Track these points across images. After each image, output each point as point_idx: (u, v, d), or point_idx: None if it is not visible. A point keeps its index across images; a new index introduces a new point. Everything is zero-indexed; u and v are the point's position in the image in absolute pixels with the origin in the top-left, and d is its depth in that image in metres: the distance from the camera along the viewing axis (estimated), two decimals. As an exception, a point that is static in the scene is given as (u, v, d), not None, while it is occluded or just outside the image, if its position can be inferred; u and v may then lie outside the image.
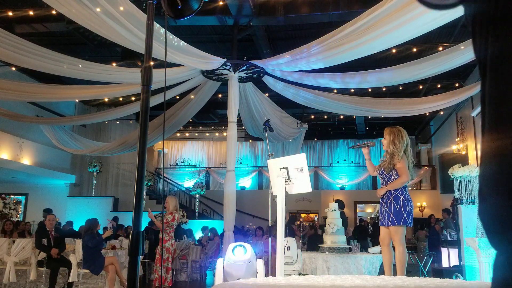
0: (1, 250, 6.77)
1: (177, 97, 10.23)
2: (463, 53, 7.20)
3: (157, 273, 6.81)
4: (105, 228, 8.09)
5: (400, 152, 4.49)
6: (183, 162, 19.20)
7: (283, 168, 4.03)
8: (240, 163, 18.36)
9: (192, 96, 9.99)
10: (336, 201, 7.74)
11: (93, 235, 6.99)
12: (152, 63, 1.97)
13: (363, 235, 10.49)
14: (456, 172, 5.91)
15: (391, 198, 4.50)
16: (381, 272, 5.43)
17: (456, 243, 8.07)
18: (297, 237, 9.55)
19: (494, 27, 0.72)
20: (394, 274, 4.54)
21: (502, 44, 0.71)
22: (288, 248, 6.01)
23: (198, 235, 12.20)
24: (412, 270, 8.62)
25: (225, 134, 13.85)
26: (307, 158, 4.13)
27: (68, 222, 11.25)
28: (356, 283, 2.92)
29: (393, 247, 4.60)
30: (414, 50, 9.30)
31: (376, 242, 7.03)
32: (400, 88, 11.36)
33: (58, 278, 6.98)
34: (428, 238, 10.74)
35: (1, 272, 6.78)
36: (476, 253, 5.73)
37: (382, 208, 4.62)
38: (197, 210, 15.33)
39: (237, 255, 4.31)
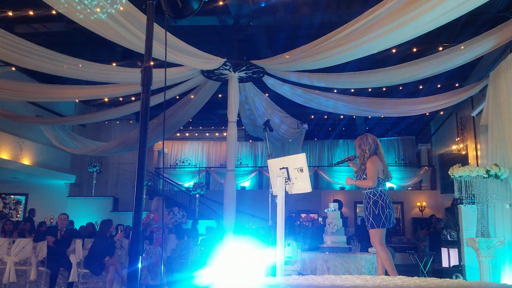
0: (1, 250, 6.77)
1: (177, 97, 10.22)
2: (463, 53, 7.20)
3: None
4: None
5: (366, 152, 4.85)
6: (183, 162, 19.19)
7: (283, 168, 4.03)
8: (240, 163, 18.36)
9: (192, 96, 9.98)
10: (334, 201, 7.75)
11: (106, 237, 7.03)
12: (152, 63, 1.98)
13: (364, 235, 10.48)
14: (456, 172, 5.89)
15: (371, 203, 4.74)
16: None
17: (456, 243, 8.07)
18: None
19: None
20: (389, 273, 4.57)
21: None
22: (288, 244, 6.03)
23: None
24: (412, 270, 8.62)
25: (225, 134, 13.84)
26: (307, 158, 4.13)
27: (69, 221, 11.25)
28: (356, 283, 2.92)
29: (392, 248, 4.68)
30: (414, 50, 9.29)
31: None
32: (400, 88, 11.35)
33: (58, 278, 6.98)
34: (429, 238, 10.74)
35: (1, 272, 6.77)
36: (476, 253, 5.73)
37: (364, 212, 4.89)
38: (197, 210, 15.33)
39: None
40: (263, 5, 8.34)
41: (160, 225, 6.75)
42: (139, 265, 1.79)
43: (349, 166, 5.21)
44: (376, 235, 4.68)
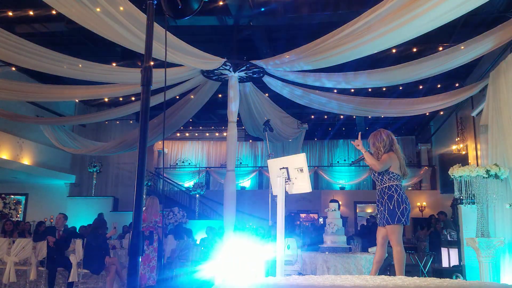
0: (1, 250, 6.77)
1: (177, 97, 10.22)
2: (463, 53, 7.20)
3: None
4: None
5: (380, 150, 4.77)
6: (183, 162, 19.19)
7: (283, 168, 4.03)
8: (240, 163, 18.37)
9: (192, 96, 9.98)
10: (332, 201, 7.74)
11: (98, 234, 7.01)
12: (152, 63, 1.98)
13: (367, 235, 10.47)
14: (456, 172, 5.89)
15: (385, 197, 4.62)
16: (381, 271, 5.43)
17: (456, 243, 8.08)
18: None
19: None
20: (392, 273, 4.56)
21: None
22: (288, 247, 6.02)
23: (200, 235, 12.16)
24: (412, 270, 8.62)
25: (225, 134, 13.84)
26: (307, 158, 4.13)
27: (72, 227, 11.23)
28: (356, 283, 2.92)
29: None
30: (414, 50, 9.29)
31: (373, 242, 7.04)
32: (400, 88, 11.35)
33: (58, 278, 6.98)
34: (429, 238, 10.74)
35: (1, 272, 6.77)
36: (476, 253, 5.73)
37: (378, 208, 4.74)
38: (197, 210, 15.33)
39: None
40: (263, 9, 8.36)
41: (147, 224, 6.72)
42: (139, 265, 1.79)
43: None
44: (394, 232, 4.50)
